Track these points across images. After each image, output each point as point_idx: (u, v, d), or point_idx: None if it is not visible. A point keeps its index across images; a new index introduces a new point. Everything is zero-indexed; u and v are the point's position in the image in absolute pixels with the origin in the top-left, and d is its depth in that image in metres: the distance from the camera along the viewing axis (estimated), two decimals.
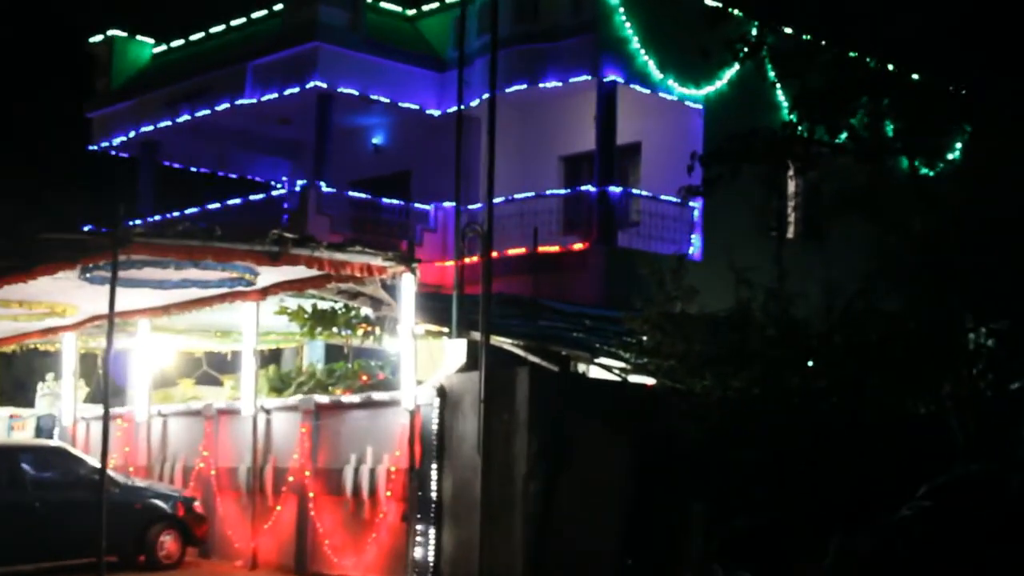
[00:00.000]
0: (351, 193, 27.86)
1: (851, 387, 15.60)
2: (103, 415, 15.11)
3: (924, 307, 15.43)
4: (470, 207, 24.29)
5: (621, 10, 25.17)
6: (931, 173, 16.24)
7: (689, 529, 15.48)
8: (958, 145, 16.79)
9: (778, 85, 23.34)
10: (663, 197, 25.02)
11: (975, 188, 15.70)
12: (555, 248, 25.00)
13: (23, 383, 30.95)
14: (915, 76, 16.47)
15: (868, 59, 15.99)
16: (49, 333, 24.68)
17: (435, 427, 16.84)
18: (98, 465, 16.12)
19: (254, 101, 28.31)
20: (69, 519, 18.11)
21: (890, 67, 16.14)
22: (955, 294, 15.19)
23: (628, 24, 25.21)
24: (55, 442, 21.27)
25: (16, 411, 27.24)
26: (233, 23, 30.03)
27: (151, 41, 32.36)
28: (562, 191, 26.80)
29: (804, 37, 16.91)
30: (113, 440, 20.49)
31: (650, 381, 17.19)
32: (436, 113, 28.16)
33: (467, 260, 18.61)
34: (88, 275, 17.45)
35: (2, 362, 28.23)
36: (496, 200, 18.28)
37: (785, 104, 23.15)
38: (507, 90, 24.96)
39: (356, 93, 27.55)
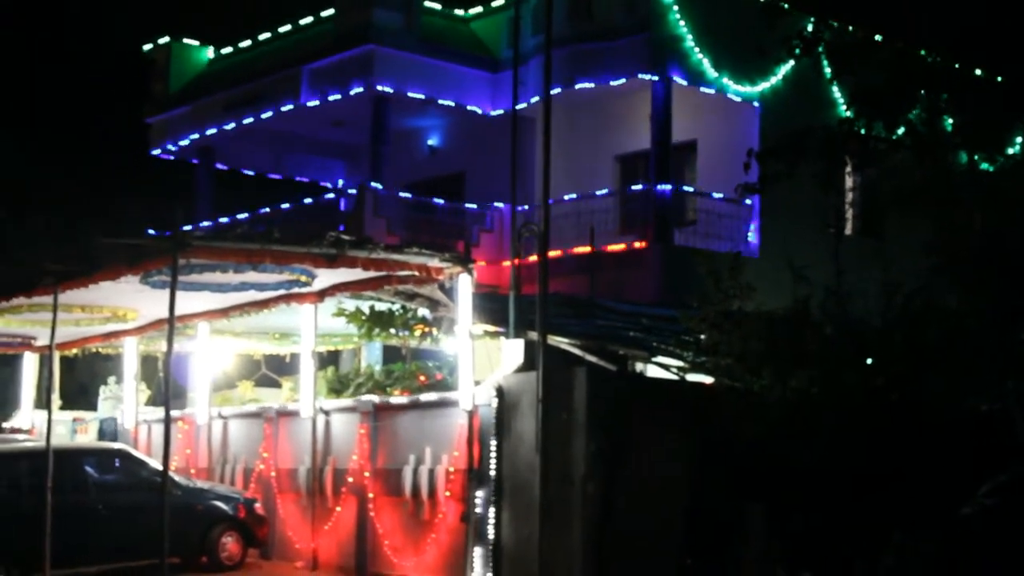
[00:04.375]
0: (407, 195, 27.95)
1: (911, 385, 15.46)
2: (164, 418, 15.23)
3: (985, 303, 15.28)
4: (526, 207, 24.29)
5: (675, 8, 25.09)
6: (991, 168, 16.07)
7: (748, 529, 15.42)
8: (1018, 139, 16.64)
9: (834, 81, 23.26)
10: (719, 195, 24.95)
11: None
12: (611, 247, 24.96)
13: (85, 387, 31.33)
14: (974, 70, 16.33)
15: (925, 53, 15.88)
16: (111, 337, 24.97)
17: (493, 427, 16.89)
18: (160, 467, 16.28)
19: (309, 104, 28.48)
20: (132, 521, 18.35)
21: (948, 61, 16.02)
22: (1017, 290, 15.04)
23: (682, 22, 25.13)
24: (117, 445, 21.46)
25: (79, 415, 27.56)
26: (288, 28, 30.19)
27: (208, 47, 32.63)
28: (618, 190, 26.77)
29: (861, 33, 16.80)
30: (174, 442, 20.73)
31: (708, 380, 17.13)
32: (491, 113, 28.21)
33: (523, 260, 18.63)
34: (149, 279, 17.62)
35: (64, 366, 28.56)
36: (552, 200, 18.28)
37: (842, 100, 23.08)
38: (561, 90, 24.95)
39: (411, 95, 27.63)
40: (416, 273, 17.71)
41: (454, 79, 27.91)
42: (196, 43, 32.60)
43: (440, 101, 27.93)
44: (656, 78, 25.17)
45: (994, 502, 13.74)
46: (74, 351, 27.15)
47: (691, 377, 17.75)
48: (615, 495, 15.86)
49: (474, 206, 28.29)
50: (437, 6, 28.82)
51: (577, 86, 25.87)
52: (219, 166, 32.87)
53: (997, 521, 13.66)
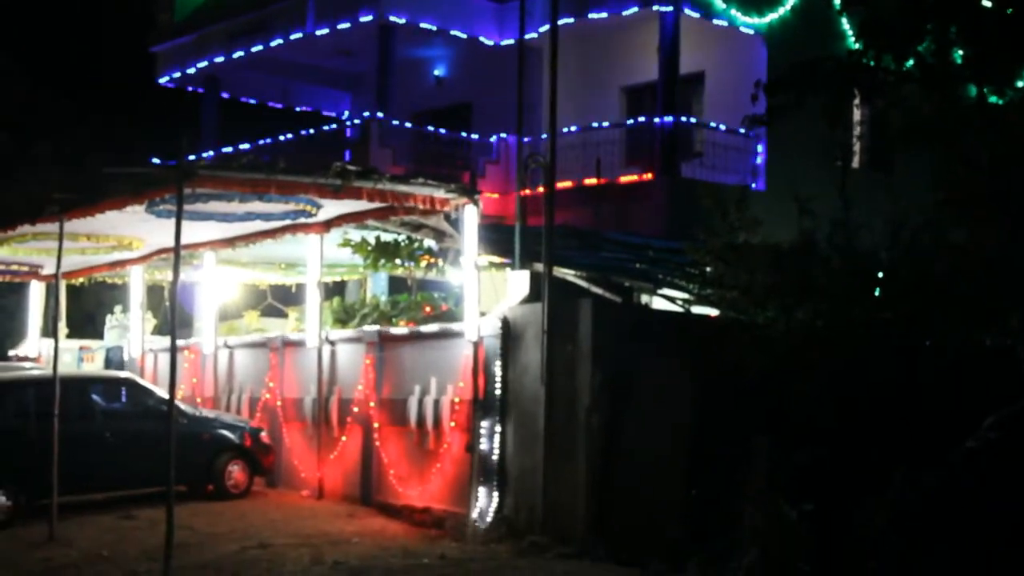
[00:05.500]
0: (413, 125, 27.94)
1: (917, 320, 15.47)
2: (171, 347, 15.29)
3: (992, 238, 15.27)
4: (532, 139, 24.29)
5: None
6: (1000, 101, 15.99)
7: (752, 461, 15.47)
8: None
9: (843, 13, 23.13)
10: (726, 127, 24.92)
11: None
12: (618, 179, 24.99)
13: (92, 316, 31.47)
14: (984, 1, 16.22)
15: None
16: (116, 266, 25.12)
17: (498, 359, 16.96)
18: (166, 396, 16.36)
19: (316, 33, 28.42)
20: (138, 449, 18.44)
21: None
22: (1022, 223, 15.02)
23: None
24: (124, 373, 21.57)
25: (86, 343, 27.73)
26: None
27: None
28: (625, 122, 26.75)
29: None
30: (181, 371, 20.87)
31: (713, 312, 17.18)
32: (498, 44, 28.17)
33: (529, 191, 18.65)
34: (154, 208, 17.68)
35: (71, 295, 28.64)
36: (558, 131, 18.28)
37: (850, 32, 22.92)
38: (568, 20, 24.92)
39: (418, 24, 27.60)
40: (422, 204, 17.71)
41: (461, 9, 27.92)
42: None
43: (447, 31, 27.93)
44: (665, 8, 25.08)
45: (999, 436, 13.77)
46: (80, 280, 27.26)
47: (696, 309, 17.80)
48: (620, 426, 15.93)
49: (480, 137, 28.28)
50: None
51: (583, 17, 25.90)
52: (225, 95, 32.86)
53: (1000, 454, 13.70)
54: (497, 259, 18.57)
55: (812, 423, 14.80)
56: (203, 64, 31.31)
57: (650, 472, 15.68)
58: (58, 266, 18.04)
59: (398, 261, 21.80)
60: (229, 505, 18.88)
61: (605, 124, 26.33)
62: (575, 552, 15.38)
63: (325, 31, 28.28)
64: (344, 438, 19.36)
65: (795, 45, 23.28)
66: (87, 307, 32.44)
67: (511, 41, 26.67)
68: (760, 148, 25.44)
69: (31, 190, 18.69)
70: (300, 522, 17.60)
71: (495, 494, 16.80)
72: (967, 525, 13.46)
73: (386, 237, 21.22)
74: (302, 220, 19.59)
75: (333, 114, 34.02)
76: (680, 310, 18.04)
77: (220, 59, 30.80)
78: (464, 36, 28.14)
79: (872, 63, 15.65)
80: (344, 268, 25.80)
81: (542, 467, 16.18)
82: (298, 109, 34.94)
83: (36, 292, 27.57)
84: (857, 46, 15.88)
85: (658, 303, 18.85)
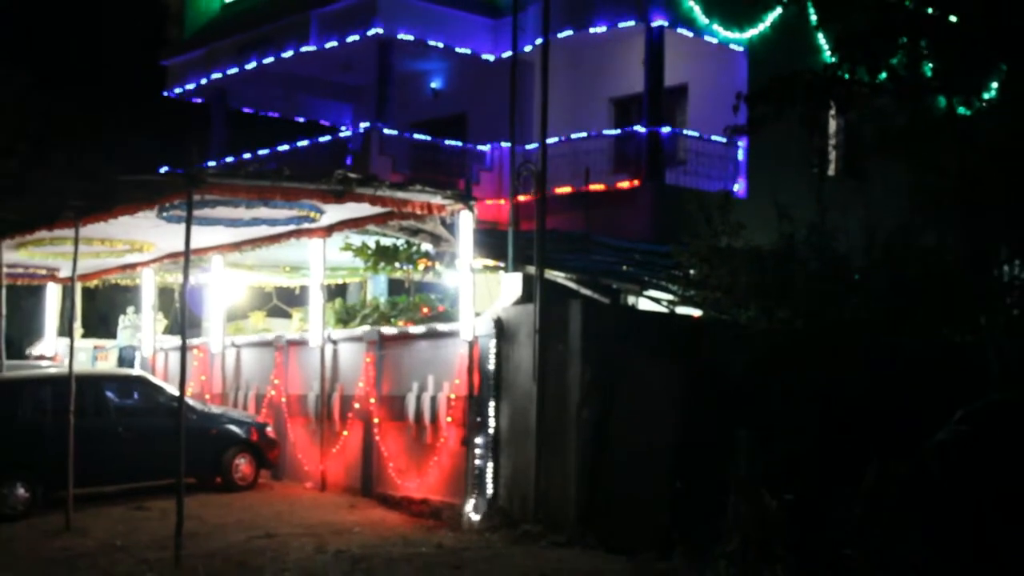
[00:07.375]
0: (411, 135, 28.26)
1: (891, 319, 15.66)
2: (181, 346, 15.71)
3: (960, 242, 15.66)
4: (525, 147, 24.37)
5: None
6: (968, 112, 16.15)
7: (734, 454, 15.85)
8: (994, 84, 16.89)
9: (820, 28, 23.57)
10: (709, 137, 25.29)
11: (1010, 125, 15.78)
12: (606, 186, 25.25)
13: (105, 316, 31.65)
14: (952, 17, 16.62)
15: (907, 1, 16.22)
16: (129, 268, 25.28)
17: (492, 357, 17.20)
18: (176, 393, 16.59)
19: (318, 48, 28.76)
20: (150, 444, 18.68)
21: (928, 9, 16.30)
22: (989, 228, 15.35)
23: None
24: (136, 371, 21.79)
25: (99, 342, 27.87)
26: None
27: None
28: (613, 131, 27.01)
29: None
30: (190, 369, 21.12)
31: (697, 312, 17.43)
32: (492, 58, 28.44)
33: (522, 198, 18.97)
34: (165, 214, 17.91)
35: (86, 297, 28.77)
36: (549, 140, 18.52)
37: (827, 46, 23.32)
38: (559, 35, 25.16)
39: (415, 39, 27.88)
40: (420, 210, 17.89)
41: (457, 24, 28.13)
42: None
43: (443, 45, 28.18)
44: (649, 24, 25.39)
45: (968, 429, 14.07)
46: (95, 282, 27.41)
47: (681, 310, 18.00)
48: (608, 422, 16.12)
49: (475, 146, 28.60)
50: None
51: (573, 33, 26.14)
52: (232, 107, 33.08)
53: (969, 446, 14.04)
54: (491, 262, 18.81)
55: (792, 417, 14.99)
56: (211, 77, 31.59)
57: (638, 464, 15.84)
58: (74, 269, 18.31)
59: (397, 264, 22.01)
60: (236, 497, 19.15)
61: (594, 134, 26.65)
62: (566, 540, 15.63)
63: (326, 46, 28.60)
64: (346, 433, 19.65)
65: (774, 59, 23.42)
66: (101, 308, 32.60)
67: (505, 55, 26.88)
68: (741, 157, 25.68)
69: (48, 197, 19.01)
70: (304, 513, 17.86)
71: (489, 486, 17.06)
72: (938, 513, 13.72)
73: (385, 241, 21.48)
74: (305, 225, 19.83)
75: (335, 124, 34.31)
76: (665, 310, 18.33)
77: (227, 73, 31.13)
78: (460, 50, 28.41)
79: (847, 76, 15.86)
80: (345, 271, 25.89)
81: (534, 460, 16.42)
82: (302, 120, 35.08)
83: (53, 294, 27.68)
84: (833, 60, 16.07)
85: (644, 304, 19.07)
